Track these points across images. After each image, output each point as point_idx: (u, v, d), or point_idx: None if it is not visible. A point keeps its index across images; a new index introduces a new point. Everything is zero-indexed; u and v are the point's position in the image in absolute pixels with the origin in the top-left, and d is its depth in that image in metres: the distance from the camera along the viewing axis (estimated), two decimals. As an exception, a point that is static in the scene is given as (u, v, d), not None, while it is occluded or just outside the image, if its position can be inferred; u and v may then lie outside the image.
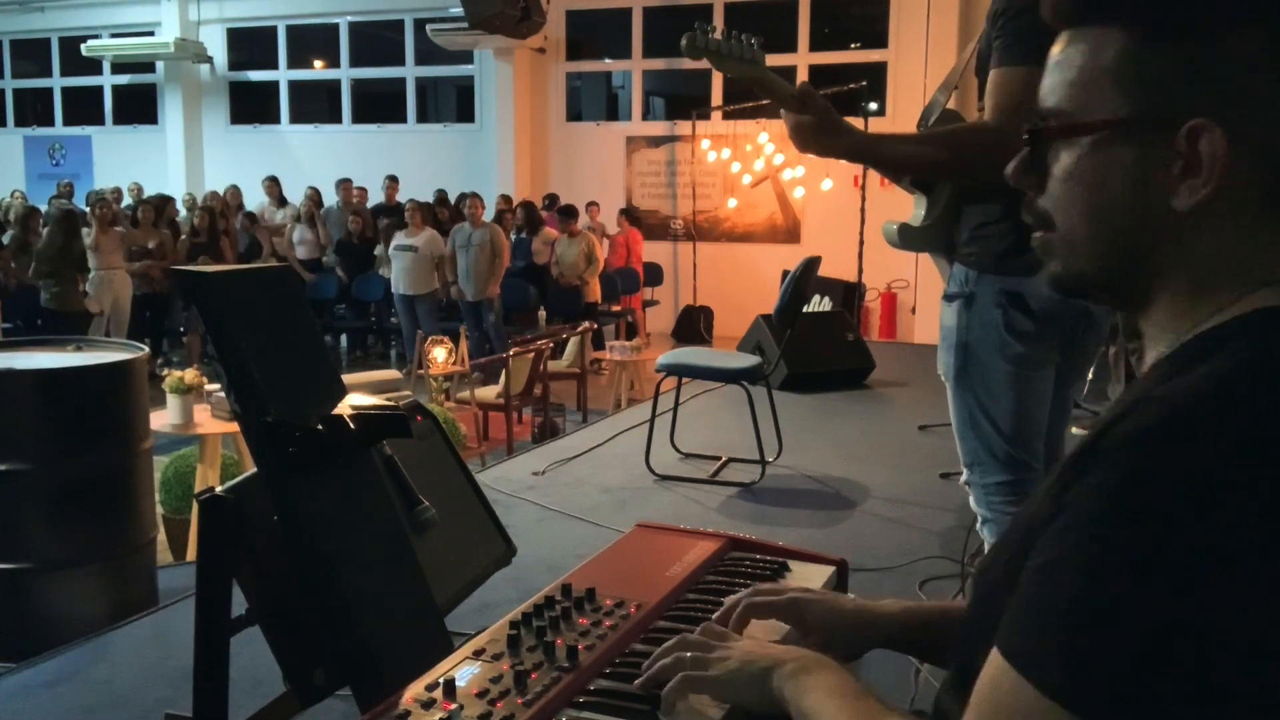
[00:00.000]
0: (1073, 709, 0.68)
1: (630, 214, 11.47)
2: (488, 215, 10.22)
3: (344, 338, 11.45)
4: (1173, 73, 0.78)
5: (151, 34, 13.78)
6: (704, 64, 1.87)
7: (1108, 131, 0.81)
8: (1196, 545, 0.66)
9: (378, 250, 10.75)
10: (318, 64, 14.11)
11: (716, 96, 11.72)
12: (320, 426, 1.48)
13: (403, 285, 9.78)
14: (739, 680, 1.02)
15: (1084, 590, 0.69)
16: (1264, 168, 0.77)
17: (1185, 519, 0.66)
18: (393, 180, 11.60)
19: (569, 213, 10.35)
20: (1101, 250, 0.84)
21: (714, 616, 1.24)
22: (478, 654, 1.20)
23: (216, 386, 4.74)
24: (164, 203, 10.95)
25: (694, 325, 11.44)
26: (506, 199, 11.56)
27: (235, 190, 11.95)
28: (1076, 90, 0.83)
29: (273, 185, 11.92)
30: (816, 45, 11.59)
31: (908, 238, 2.23)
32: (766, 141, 11.35)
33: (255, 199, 12.11)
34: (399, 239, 9.82)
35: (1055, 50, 0.86)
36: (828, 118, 1.87)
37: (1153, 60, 0.79)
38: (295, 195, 11.74)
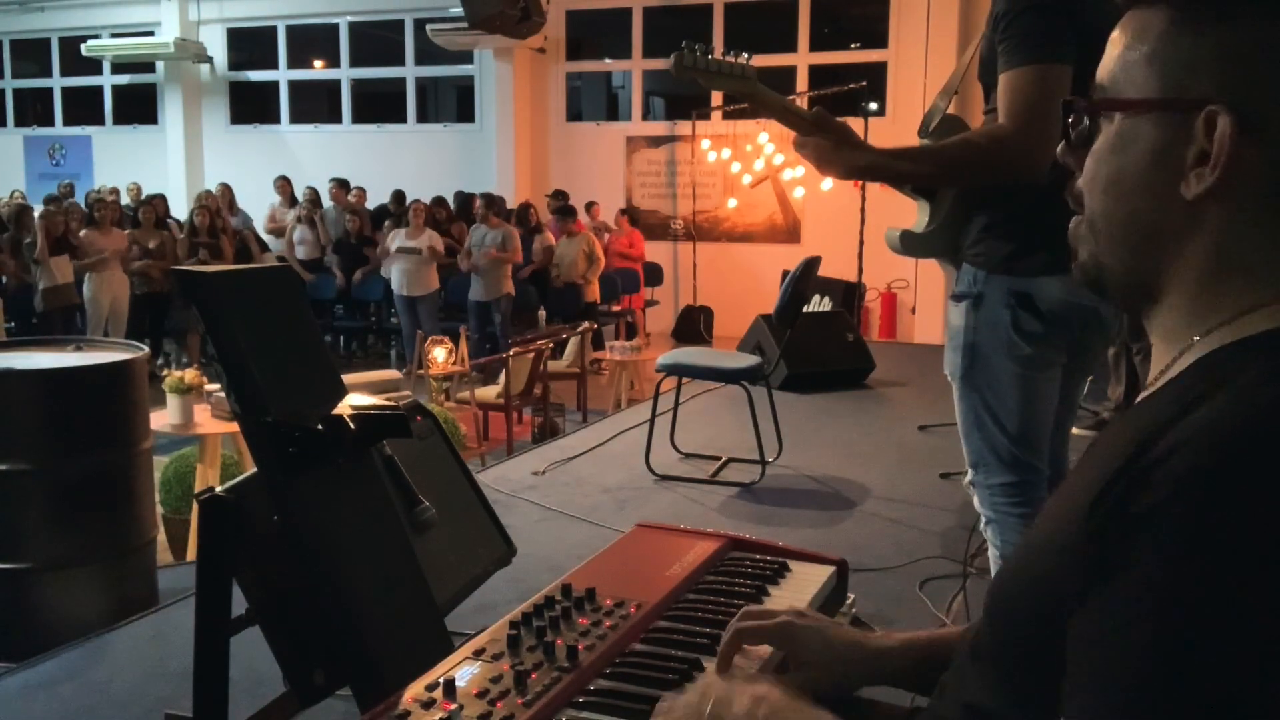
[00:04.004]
0: None
1: (630, 214, 11.46)
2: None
3: (344, 338, 11.45)
4: (1203, 57, 0.77)
5: (151, 34, 13.77)
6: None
7: (1138, 109, 0.80)
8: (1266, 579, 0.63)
9: (376, 250, 10.75)
10: (318, 64, 14.10)
11: (716, 96, 11.71)
12: (320, 426, 1.48)
13: (404, 287, 9.75)
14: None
15: (1169, 659, 0.64)
16: (1275, 162, 0.75)
17: (1269, 563, 0.63)
18: (399, 197, 11.53)
19: (568, 212, 10.36)
20: (1119, 233, 0.83)
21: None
22: (478, 654, 1.20)
23: (216, 386, 4.74)
24: (152, 199, 10.95)
25: (694, 325, 11.44)
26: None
27: (226, 189, 11.94)
28: (1118, 68, 0.83)
29: (285, 185, 11.90)
30: (816, 45, 11.59)
31: (910, 244, 2.23)
32: (766, 141, 11.34)
33: (254, 199, 12.10)
34: (400, 241, 9.78)
35: (1115, 31, 0.86)
36: (846, 136, 1.90)
37: (1187, 43, 0.78)
38: (295, 195, 11.75)
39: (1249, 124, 0.74)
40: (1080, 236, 0.87)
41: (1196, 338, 0.78)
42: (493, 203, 9.82)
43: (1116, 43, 0.84)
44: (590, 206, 11.46)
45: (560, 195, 11.03)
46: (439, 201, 11.41)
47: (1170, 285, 0.81)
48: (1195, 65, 0.77)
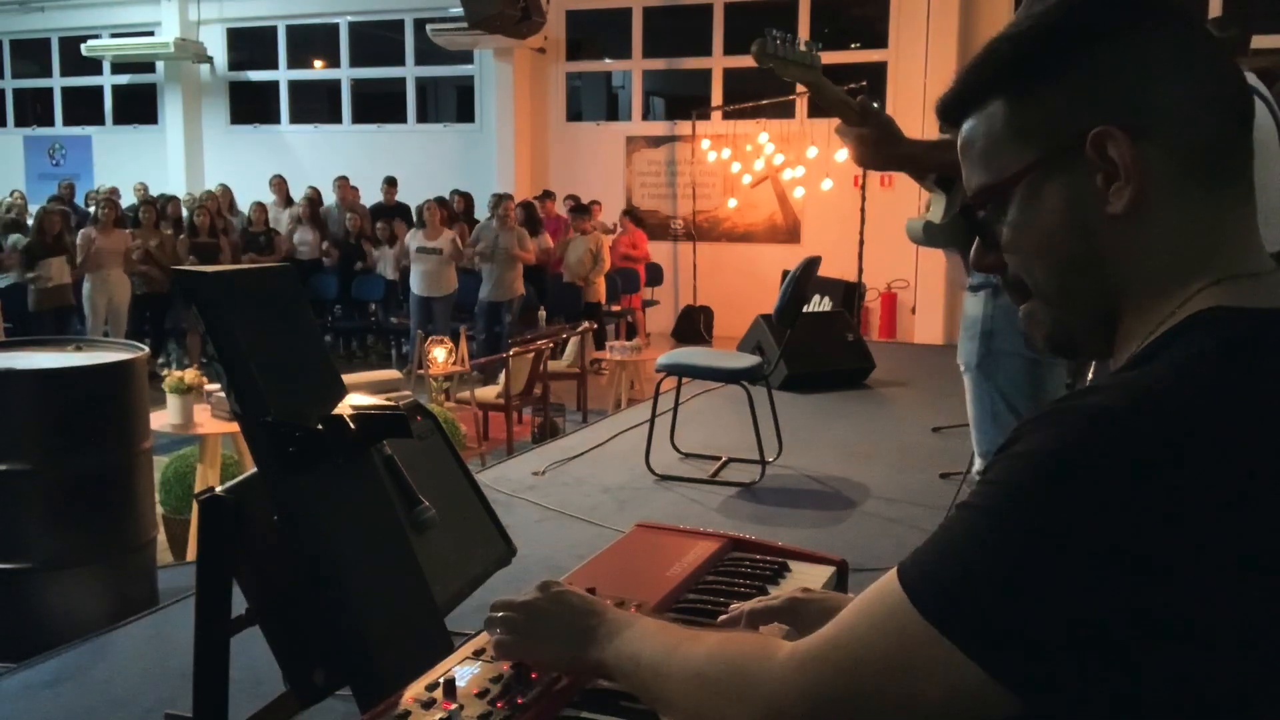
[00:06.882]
0: (951, 637, 0.71)
1: (633, 215, 11.45)
2: (480, 213, 10.18)
3: (344, 338, 11.44)
4: (1057, 105, 0.84)
5: (151, 34, 13.76)
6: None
7: (1028, 179, 0.86)
8: (1109, 517, 0.68)
9: (377, 252, 10.75)
10: (318, 64, 14.09)
11: (716, 96, 11.71)
12: (320, 426, 1.48)
13: (423, 288, 9.70)
14: (559, 651, 1.05)
15: (985, 533, 0.72)
16: (1172, 154, 0.81)
17: (1106, 489, 0.69)
18: (390, 183, 11.59)
19: (582, 211, 10.35)
20: (1071, 285, 0.87)
21: (718, 620, 1.24)
22: (478, 654, 1.20)
23: (216, 386, 4.74)
24: (167, 202, 10.97)
25: (694, 325, 11.43)
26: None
27: (225, 189, 11.93)
28: (988, 162, 0.89)
29: (280, 184, 11.91)
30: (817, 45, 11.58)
31: (931, 234, 2.26)
32: (766, 141, 11.33)
33: (254, 199, 12.09)
34: (419, 241, 9.73)
35: (959, 145, 0.92)
36: (889, 130, 2.02)
37: (1036, 104, 0.85)
38: (295, 195, 11.74)
39: (1136, 130, 0.81)
40: (1036, 318, 0.91)
41: (1145, 336, 0.83)
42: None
43: (969, 147, 0.90)
44: (592, 205, 11.46)
45: (532, 205, 11.05)
46: (440, 202, 11.40)
47: (1125, 306, 0.85)
48: (1055, 113, 0.84)
